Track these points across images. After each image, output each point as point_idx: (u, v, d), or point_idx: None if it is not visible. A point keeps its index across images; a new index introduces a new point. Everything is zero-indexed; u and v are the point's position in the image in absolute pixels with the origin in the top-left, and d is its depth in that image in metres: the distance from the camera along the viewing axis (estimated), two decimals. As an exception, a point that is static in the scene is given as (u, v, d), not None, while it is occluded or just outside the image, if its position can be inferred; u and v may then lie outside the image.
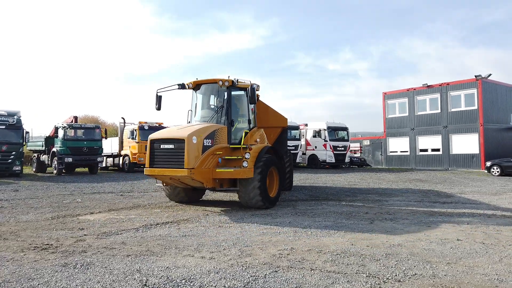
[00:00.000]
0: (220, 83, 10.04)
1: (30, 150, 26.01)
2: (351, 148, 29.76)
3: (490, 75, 27.49)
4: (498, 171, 21.54)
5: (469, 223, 7.81)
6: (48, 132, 25.04)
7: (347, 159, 27.82)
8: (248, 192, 9.24)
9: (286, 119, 12.74)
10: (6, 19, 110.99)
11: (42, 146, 24.26)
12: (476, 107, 27.41)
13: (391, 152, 32.30)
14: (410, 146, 30.92)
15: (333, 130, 27.27)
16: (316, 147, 27.35)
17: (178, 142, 8.73)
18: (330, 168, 27.14)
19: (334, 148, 26.71)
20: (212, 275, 4.64)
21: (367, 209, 9.74)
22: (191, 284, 4.34)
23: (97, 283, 4.41)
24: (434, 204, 10.77)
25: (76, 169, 24.17)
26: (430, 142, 29.90)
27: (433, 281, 4.41)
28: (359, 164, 30.69)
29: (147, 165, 9.15)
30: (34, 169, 25.07)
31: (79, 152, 21.93)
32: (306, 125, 28.51)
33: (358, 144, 34.31)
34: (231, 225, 7.64)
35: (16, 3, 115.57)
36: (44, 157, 23.97)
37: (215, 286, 4.30)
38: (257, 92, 10.63)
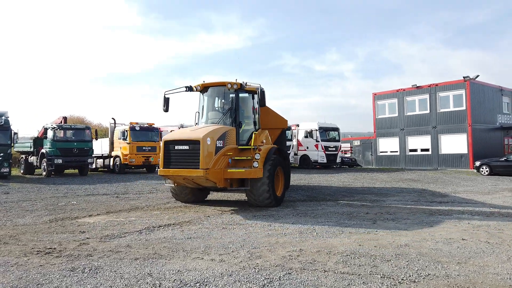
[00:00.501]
0: (229, 86, 10.26)
1: (18, 152, 25.46)
2: (342, 149, 29.93)
3: (477, 76, 27.97)
4: (487, 171, 21.90)
5: (469, 223, 7.89)
6: (32, 133, 24.60)
7: (338, 160, 27.97)
8: (258, 191, 9.50)
9: (286, 120, 13.03)
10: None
11: (30, 147, 23.80)
12: (464, 108, 27.84)
13: (381, 152, 32.59)
14: (400, 146, 31.25)
15: (325, 131, 27.40)
16: (307, 147, 27.43)
17: (193, 143, 8.91)
18: (321, 168, 27.25)
19: (326, 148, 26.84)
20: (225, 278, 4.58)
21: (367, 209, 9.78)
22: (207, 288, 4.28)
23: (109, 287, 4.32)
24: (431, 203, 10.88)
25: (65, 170, 23.78)
26: (419, 142, 30.26)
27: (448, 281, 4.43)
28: (350, 164, 30.90)
29: (161, 166, 9.27)
30: (22, 171, 24.57)
31: (69, 153, 21.56)
32: (298, 125, 28.58)
33: (348, 145, 34.53)
34: (235, 226, 7.58)
35: (2, 2, 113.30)
36: (32, 159, 23.51)
37: (231, 289, 4.24)
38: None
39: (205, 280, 4.52)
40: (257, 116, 11.07)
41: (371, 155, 33.40)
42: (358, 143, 34.80)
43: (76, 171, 23.91)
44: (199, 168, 8.74)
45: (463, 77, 27.79)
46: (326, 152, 26.76)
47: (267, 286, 4.34)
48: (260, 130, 11.08)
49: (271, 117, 12.44)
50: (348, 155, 33.26)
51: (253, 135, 10.19)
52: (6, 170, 19.53)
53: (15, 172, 24.57)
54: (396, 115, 31.56)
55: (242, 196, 12.47)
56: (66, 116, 24.48)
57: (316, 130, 26.74)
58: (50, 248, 5.95)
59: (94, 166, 24.94)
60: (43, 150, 21.69)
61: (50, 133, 21.41)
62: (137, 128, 23.82)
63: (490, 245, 6.04)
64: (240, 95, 10.59)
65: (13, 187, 15.43)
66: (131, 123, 24.14)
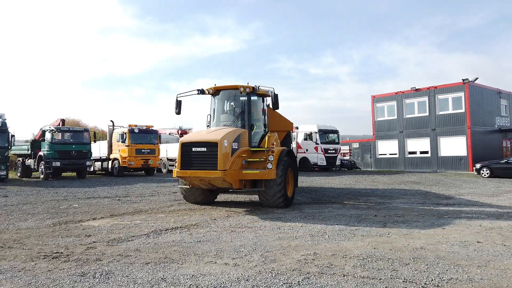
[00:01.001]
0: (242, 89, 10.48)
1: (14, 155, 25.16)
2: (341, 151, 29.85)
3: (477, 78, 28.05)
4: (487, 173, 21.90)
5: (481, 225, 7.79)
6: (26, 135, 24.31)
7: (338, 162, 27.88)
8: (271, 192, 9.69)
9: (292, 123, 13.26)
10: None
11: (28, 150, 23.54)
12: (463, 110, 27.90)
13: (380, 154, 32.58)
14: (399, 148, 31.25)
15: (324, 133, 27.29)
16: (307, 150, 27.31)
17: (211, 145, 9.05)
18: (320, 171, 27.13)
19: (325, 151, 26.73)
20: (243, 283, 4.44)
21: (374, 211, 9.67)
22: (225, 293, 4.13)
23: (123, 293, 4.16)
24: (437, 205, 10.79)
25: (63, 173, 23.50)
26: (418, 145, 30.27)
27: (472, 285, 4.31)
28: (349, 167, 30.83)
29: (178, 167, 9.37)
30: (19, 174, 24.28)
31: (68, 156, 21.31)
32: (297, 128, 28.45)
33: (347, 147, 34.48)
34: (244, 229, 7.43)
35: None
36: (29, 162, 23.24)
37: (251, 294, 4.10)
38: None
39: (222, 285, 4.37)
40: (266, 118, 11.38)
41: (370, 158, 33.37)
42: (357, 146, 34.76)
43: (74, 174, 23.66)
44: (217, 170, 8.89)
45: (462, 80, 27.86)
46: (326, 155, 26.65)
47: (287, 291, 4.20)
48: (270, 132, 11.28)
49: (277, 119, 12.56)
50: (347, 157, 33.18)
51: (267, 137, 10.35)
52: (3, 173, 19.29)
53: (12, 175, 24.26)
54: (395, 117, 31.59)
55: (246, 198, 12.33)
56: (64, 119, 24.24)
57: (316, 132, 26.64)
58: (57, 253, 5.77)
59: (92, 169, 24.69)
60: (41, 153, 21.44)
61: (48, 136, 21.15)
62: (136, 131, 23.60)
63: (507, 248, 5.93)
64: (252, 98, 10.80)
65: (11, 190, 15.19)
66: (130, 126, 23.94)
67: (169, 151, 28.38)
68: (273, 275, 4.71)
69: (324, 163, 26.52)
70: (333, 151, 27.29)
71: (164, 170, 28.53)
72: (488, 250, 5.80)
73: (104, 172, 26.55)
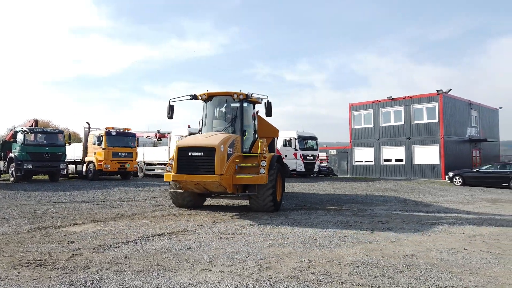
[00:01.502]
0: (235, 96, 10.73)
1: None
2: (319, 158, 30.11)
3: (450, 90, 29.01)
4: (460, 181, 22.59)
5: (464, 232, 7.99)
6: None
7: (316, 168, 28.11)
8: (263, 196, 9.91)
9: (277, 130, 13.37)
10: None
11: (-3, 151, 22.51)
12: (437, 120, 28.76)
13: (356, 161, 33.09)
14: (375, 156, 31.85)
15: (303, 140, 27.47)
16: (286, 156, 27.33)
17: (209, 150, 9.17)
18: (298, 177, 27.24)
19: (304, 157, 26.89)
20: (242, 292, 4.34)
21: (359, 218, 9.75)
22: (226, 302, 4.03)
23: (118, 303, 3.98)
24: (418, 213, 11.01)
25: (34, 176, 22.61)
26: (394, 153, 30.95)
27: (469, 293, 4.38)
28: (327, 173, 31.14)
29: (174, 171, 9.36)
30: (-14, 176, 23.17)
31: (40, 158, 20.51)
32: (276, 134, 28.52)
33: (325, 154, 34.85)
34: (233, 236, 7.32)
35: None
36: (-1, 163, 22.22)
37: (252, 303, 4.01)
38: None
39: (221, 294, 4.26)
40: (256, 124, 11.68)
41: (346, 165, 33.84)
42: (334, 153, 35.21)
43: (46, 177, 22.83)
44: (214, 174, 9.03)
45: (437, 91, 28.75)
46: (305, 161, 26.81)
47: (289, 299, 4.14)
48: (259, 138, 11.43)
49: (264, 126, 12.71)
50: (324, 164, 33.53)
51: (259, 143, 10.55)
52: (-29, 175, 18.35)
53: (-21, 177, 23.14)
54: (372, 125, 32.20)
55: (229, 202, 12.18)
56: (37, 120, 23.38)
57: (295, 139, 26.77)
58: (41, 260, 5.49)
59: (65, 172, 23.87)
60: (11, 154, 20.57)
61: (20, 137, 20.32)
62: (113, 133, 23.04)
63: (493, 255, 6.09)
64: (243, 104, 11.04)
65: (-20, 193, 14.45)
66: (107, 128, 23.33)
67: (146, 154, 27.89)
68: (272, 283, 4.64)
69: (303, 169, 26.66)
70: (312, 158, 27.50)
71: (140, 174, 27.96)
72: (476, 258, 5.94)
73: (77, 176, 25.77)
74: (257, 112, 12.14)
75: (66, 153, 22.08)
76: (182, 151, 9.41)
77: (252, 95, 11.09)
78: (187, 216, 9.71)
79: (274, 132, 13.17)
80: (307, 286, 4.55)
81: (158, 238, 7.08)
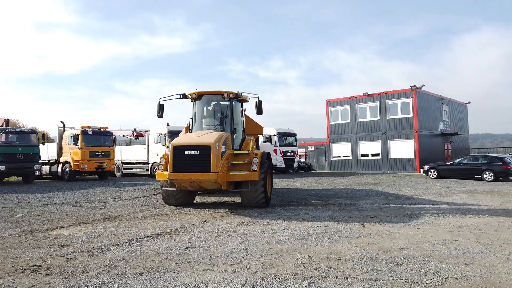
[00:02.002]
0: (225, 95, 11.02)
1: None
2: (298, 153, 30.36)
3: (423, 85, 29.83)
4: (435, 174, 23.32)
5: (450, 224, 8.26)
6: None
7: (295, 164, 28.34)
8: (255, 192, 10.14)
9: (262, 127, 13.54)
10: None
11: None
12: (411, 115, 29.54)
13: (334, 157, 33.58)
14: (352, 151, 32.42)
15: (283, 136, 27.65)
16: (266, 152, 27.46)
17: (204, 148, 9.32)
18: (278, 173, 27.40)
19: (284, 153, 27.08)
20: (250, 290, 4.33)
21: (347, 212, 9.91)
22: (237, 302, 4.01)
23: (127, 307, 3.89)
24: (402, 206, 11.29)
25: (5, 178, 21.72)
26: (370, 147, 31.60)
27: (470, 283, 4.53)
28: (306, 169, 31.45)
29: (169, 170, 9.45)
30: (-46, 179, 22.07)
31: (13, 160, 19.72)
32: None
33: (303, 150, 35.17)
34: (228, 234, 7.28)
35: None
36: (-32, 165, 21.19)
37: (264, 302, 4.01)
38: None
39: (230, 294, 4.24)
40: (244, 122, 11.97)
41: (325, 160, 34.29)
42: (313, 148, 35.58)
43: (19, 178, 21.99)
44: (210, 172, 9.20)
45: (410, 86, 29.50)
46: (284, 157, 26.99)
47: (299, 296, 4.16)
48: (248, 136, 11.77)
49: (249, 124, 12.84)
50: (303, 160, 33.84)
51: (250, 141, 10.99)
52: None
53: None
54: (349, 121, 32.73)
55: (215, 200, 12.09)
56: (9, 119, 22.46)
57: (275, 135, 26.91)
58: (35, 265, 5.29)
59: (39, 173, 23.07)
60: (-18, 156, 19.65)
61: (-10, 137, 19.45)
62: (90, 132, 22.43)
63: (483, 245, 6.32)
64: (233, 103, 11.30)
65: (-48, 197, 13.77)
66: (83, 127, 22.70)
67: (124, 153, 27.33)
68: (278, 280, 4.65)
69: (283, 165, 26.83)
70: (291, 154, 27.71)
71: (118, 174, 27.38)
72: (468, 248, 6.15)
73: (52, 177, 24.97)
74: (244, 110, 12.19)
75: (40, 153, 21.34)
76: (178, 150, 9.49)
77: (242, 94, 11.28)
78: (177, 215, 9.58)
79: (259, 129, 13.32)
80: (313, 282, 4.59)
81: (152, 238, 6.95)
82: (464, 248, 6.16)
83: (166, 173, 9.70)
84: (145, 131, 26.84)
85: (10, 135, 20.28)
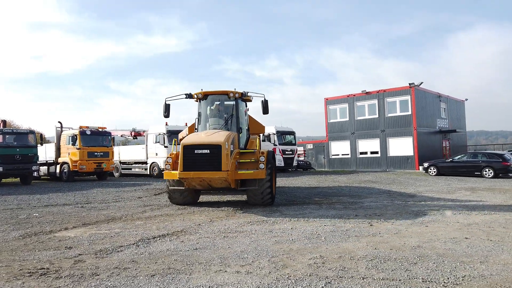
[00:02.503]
0: (231, 95, 11.20)
1: None
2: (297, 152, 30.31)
3: (421, 83, 29.85)
4: (435, 171, 23.34)
5: (458, 221, 8.22)
6: None
7: (294, 163, 28.29)
8: (262, 190, 10.25)
9: (264, 126, 13.48)
10: None
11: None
12: (410, 113, 29.55)
13: (333, 155, 33.56)
14: (351, 149, 32.40)
15: (282, 134, 27.58)
16: (265, 151, 27.38)
17: (214, 147, 9.42)
18: (277, 171, 27.24)
19: (283, 152, 27.00)
20: (266, 292, 4.25)
21: (353, 211, 9.85)
22: (255, 304, 3.92)
23: (142, 311, 3.80)
24: (407, 203, 11.24)
25: (3, 179, 21.47)
26: (369, 145, 31.59)
27: (488, 282, 4.48)
28: (305, 168, 31.39)
29: (180, 169, 9.51)
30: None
31: (11, 160, 19.50)
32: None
33: (302, 148, 35.12)
34: (235, 234, 7.20)
35: None
36: (-36, 167, 20.95)
37: (282, 303, 3.93)
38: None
39: (246, 295, 4.15)
40: (248, 122, 12.10)
41: (323, 158, 34.27)
42: (311, 147, 35.55)
43: (17, 179, 21.77)
44: (221, 170, 9.31)
45: (409, 84, 29.51)
46: (284, 156, 26.92)
47: (316, 297, 4.09)
48: (251, 135, 11.98)
49: (252, 123, 12.84)
50: (302, 158, 33.79)
51: (257, 140, 11.33)
52: None
53: None
54: (347, 119, 32.72)
55: (216, 198, 11.99)
56: (6, 120, 22.23)
57: (274, 134, 26.81)
58: (42, 268, 5.19)
59: (37, 174, 22.86)
60: (-21, 157, 19.42)
61: (-12, 138, 19.23)
62: (88, 132, 22.24)
63: (495, 243, 6.27)
64: (238, 103, 11.49)
65: (-50, 199, 13.58)
66: (81, 127, 22.50)
67: (122, 153, 27.14)
68: (293, 281, 4.57)
69: (282, 164, 26.74)
70: (290, 152, 27.64)
71: (116, 174, 27.19)
72: (480, 246, 6.10)
73: (49, 178, 24.75)
74: (247, 109, 12.19)
75: (38, 154, 21.15)
76: (188, 149, 9.54)
77: (248, 94, 11.47)
78: (181, 215, 9.48)
79: (261, 128, 13.32)
80: (329, 283, 4.52)
81: (159, 239, 6.86)
82: (476, 246, 6.11)
83: (175, 172, 9.85)
84: (144, 131, 26.67)
85: (8, 136, 20.07)
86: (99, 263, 5.44)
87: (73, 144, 21.94)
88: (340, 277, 4.71)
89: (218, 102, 11.56)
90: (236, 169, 9.98)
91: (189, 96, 11.48)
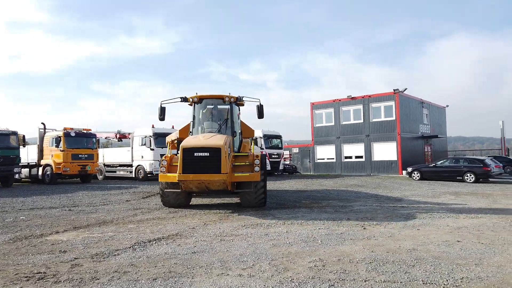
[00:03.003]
0: (227, 99, 11.38)
1: None
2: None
3: (405, 89, 30.44)
4: (418, 176, 23.79)
5: (448, 225, 8.40)
6: None
7: (281, 167, 28.41)
8: (257, 193, 10.50)
9: (253, 130, 13.58)
10: None
11: None
12: (394, 118, 30.09)
13: (318, 159, 33.84)
14: (336, 153, 32.75)
15: (268, 138, 27.71)
16: (251, 155, 27.42)
17: (214, 150, 9.52)
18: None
19: (270, 155, 27.10)
20: (272, 295, 4.26)
21: (344, 214, 9.96)
22: (262, 307, 3.93)
23: (150, 315, 3.76)
24: (396, 207, 11.43)
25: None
26: (354, 150, 31.99)
27: (485, 284, 4.60)
28: (291, 171, 31.57)
29: (179, 171, 9.52)
30: None
31: (-8, 162, 19.01)
32: (241, 133, 28.48)
33: (288, 152, 35.29)
34: (232, 238, 7.19)
35: None
36: None
37: (289, 306, 3.95)
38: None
39: (252, 299, 4.16)
40: (240, 126, 12.28)
41: (309, 162, 34.51)
42: (297, 151, 35.76)
43: (-3, 182, 21.17)
44: (220, 173, 9.40)
45: (393, 90, 30.06)
46: (270, 159, 27.00)
47: (322, 300, 4.12)
48: (243, 139, 12.23)
49: (243, 127, 12.92)
50: (288, 162, 33.96)
51: (252, 143, 11.62)
52: None
53: None
54: (333, 124, 33.07)
55: (206, 202, 11.95)
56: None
57: (261, 137, 26.89)
58: (39, 273, 5.07)
59: (18, 176, 22.29)
60: (-42, 159, 18.86)
61: (-32, 139, 18.69)
62: (73, 134, 21.88)
63: (486, 246, 6.45)
64: (233, 107, 11.67)
65: None
66: (65, 129, 22.11)
67: (107, 156, 26.75)
68: (296, 284, 4.60)
69: (269, 167, 26.80)
70: (277, 156, 27.78)
71: (100, 177, 26.77)
72: (472, 249, 6.26)
73: (31, 180, 24.19)
74: (239, 114, 12.27)
75: (20, 156, 20.66)
76: (187, 152, 9.59)
77: (243, 98, 11.63)
78: (173, 219, 9.41)
79: (251, 132, 13.43)
80: (333, 285, 4.57)
81: (155, 243, 6.79)
82: (468, 248, 6.27)
83: (171, 174, 9.90)
84: (129, 133, 26.37)
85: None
86: (97, 267, 5.36)
87: (57, 146, 21.55)
88: (343, 279, 4.76)
89: (212, 106, 11.70)
90: (232, 172, 10.08)
91: (184, 99, 11.59)
